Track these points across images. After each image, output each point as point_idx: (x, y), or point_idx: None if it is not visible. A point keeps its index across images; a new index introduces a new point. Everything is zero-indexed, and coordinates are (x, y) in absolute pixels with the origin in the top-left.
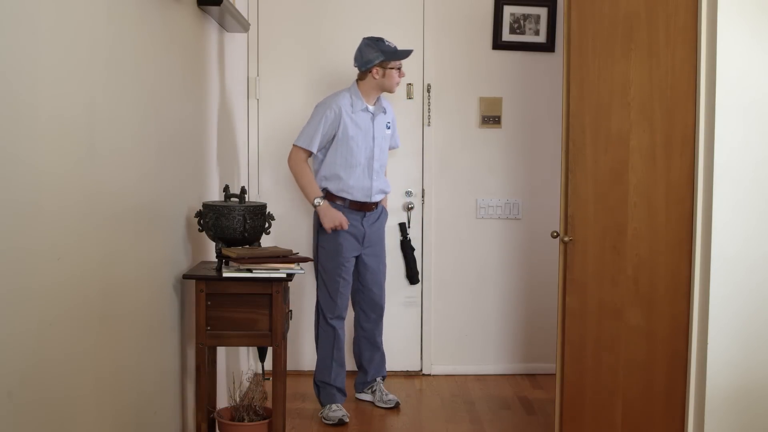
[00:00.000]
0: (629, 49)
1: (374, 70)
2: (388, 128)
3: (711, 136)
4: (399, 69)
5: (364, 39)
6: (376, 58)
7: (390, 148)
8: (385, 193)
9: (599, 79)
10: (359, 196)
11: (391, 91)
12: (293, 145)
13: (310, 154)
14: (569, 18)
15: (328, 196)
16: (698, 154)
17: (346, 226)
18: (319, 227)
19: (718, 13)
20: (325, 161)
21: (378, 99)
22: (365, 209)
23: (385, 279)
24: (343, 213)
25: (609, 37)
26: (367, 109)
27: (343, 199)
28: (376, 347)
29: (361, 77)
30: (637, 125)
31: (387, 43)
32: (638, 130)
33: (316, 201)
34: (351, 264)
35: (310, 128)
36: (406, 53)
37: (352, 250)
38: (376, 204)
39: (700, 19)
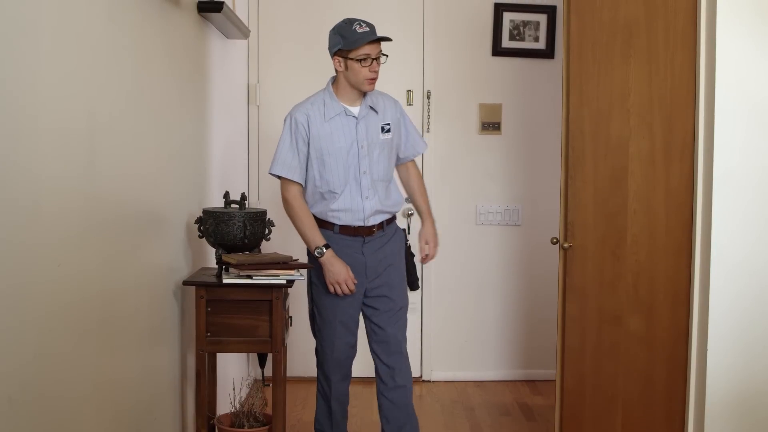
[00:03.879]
0: (629, 55)
1: (335, 61)
2: (386, 131)
3: (710, 142)
4: (364, 60)
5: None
6: (335, 45)
7: (405, 158)
8: (388, 213)
9: (599, 85)
10: (349, 221)
11: (360, 89)
12: (276, 176)
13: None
14: (569, 24)
15: (316, 221)
16: (698, 160)
17: (351, 288)
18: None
19: (717, 18)
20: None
21: (366, 96)
22: (362, 233)
23: (404, 318)
24: (336, 240)
25: (608, 43)
26: (345, 113)
27: (332, 225)
28: (400, 409)
29: (336, 71)
30: (636, 131)
31: (355, 26)
32: (638, 137)
33: (317, 251)
34: (354, 305)
35: (281, 150)
36: (366, 37)
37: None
38: (380, 226)
39: (699, 25)
